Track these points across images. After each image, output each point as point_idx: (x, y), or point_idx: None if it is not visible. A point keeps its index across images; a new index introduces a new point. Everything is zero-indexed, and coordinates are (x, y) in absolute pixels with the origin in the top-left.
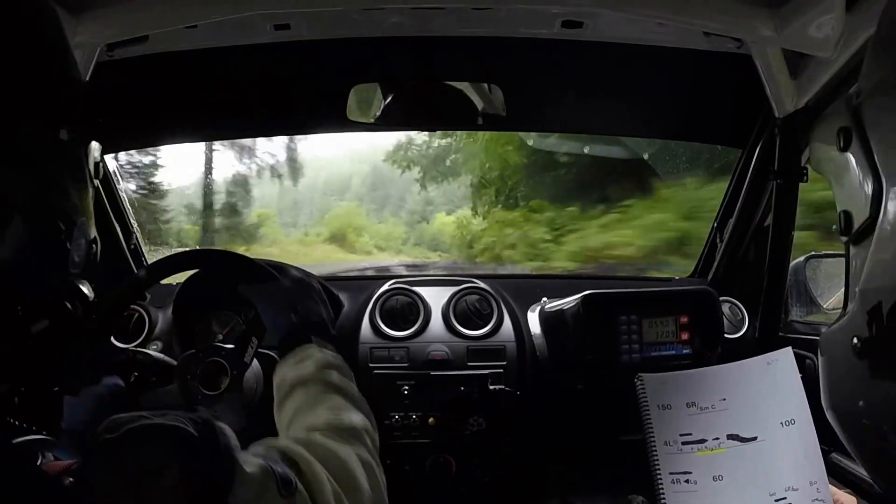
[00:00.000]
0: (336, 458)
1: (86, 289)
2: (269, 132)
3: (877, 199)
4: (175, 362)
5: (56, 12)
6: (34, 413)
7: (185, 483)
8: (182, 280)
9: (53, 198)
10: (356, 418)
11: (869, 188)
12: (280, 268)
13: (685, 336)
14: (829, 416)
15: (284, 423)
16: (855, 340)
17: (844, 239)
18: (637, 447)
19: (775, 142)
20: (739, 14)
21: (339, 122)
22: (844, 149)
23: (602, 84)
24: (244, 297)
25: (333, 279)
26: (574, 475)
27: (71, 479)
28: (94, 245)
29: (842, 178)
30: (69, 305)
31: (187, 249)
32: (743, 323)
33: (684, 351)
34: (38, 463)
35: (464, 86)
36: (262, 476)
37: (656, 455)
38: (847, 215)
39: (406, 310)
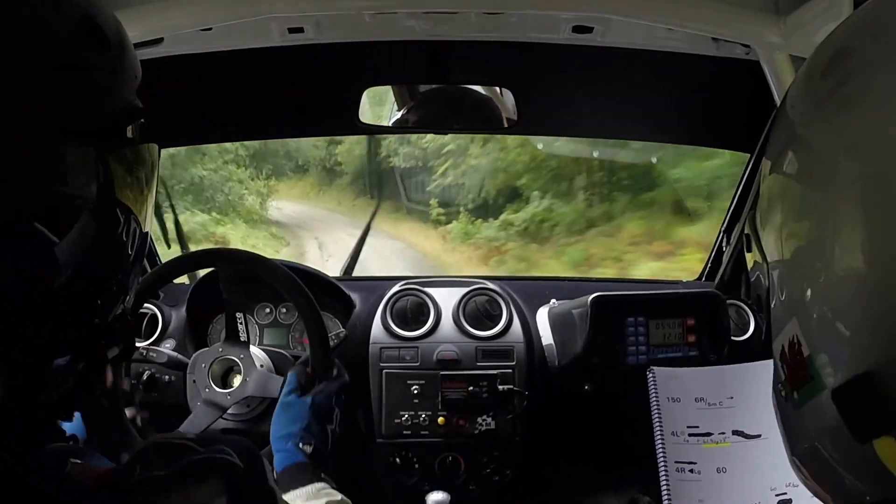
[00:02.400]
0: None
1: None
2: (281, 134)
3: (766, 275)
4: (188, 360)
5: (111, 10)
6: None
7: None
8: (196, 279)
9: (119, 194)
10: None
11: (763, 268)
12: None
13: (692, 338)
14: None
15: None
16: (780, 388)
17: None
18: (643, 447)
19: None
20: (748, 21)
21: (351, 124)
22: (748, 250)
23: (612, 88)
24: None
25: (345, 280)
26: (581, 475)
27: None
28: (147, 239)
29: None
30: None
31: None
32: (749, 326)
33: (691, 353)
34: (66, 469)
35: (475, 89)
36: None
37: (662, 444)
38: (759, 297)
39: (417, 310)
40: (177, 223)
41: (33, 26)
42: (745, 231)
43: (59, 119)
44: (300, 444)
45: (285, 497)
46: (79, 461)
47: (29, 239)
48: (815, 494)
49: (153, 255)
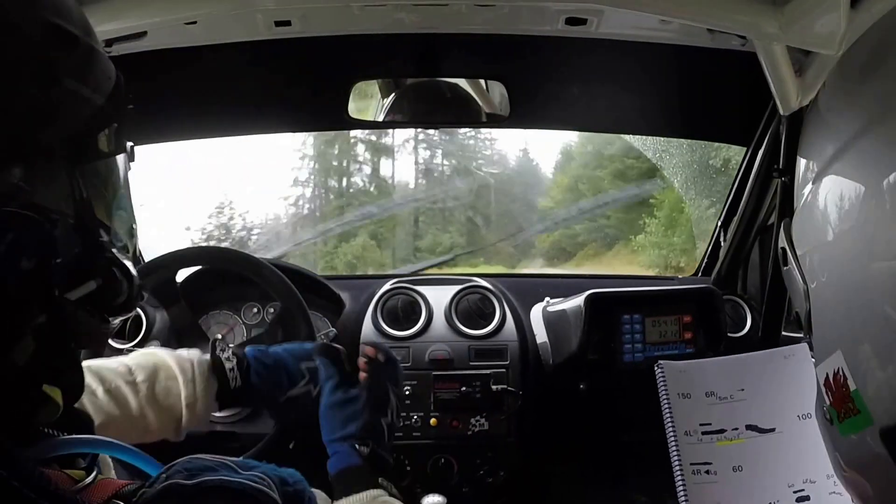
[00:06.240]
0: None
1: (129, 264)
2: (269, 130)
3: (807, 297)
4: None
5: (81, 11)
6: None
7: None
8: (181, 279)
9: (95, 199)
10: None
11: (801, 290)
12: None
13: (688, 335)
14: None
15: None
16: (826, 411)
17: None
18: (640, 446)
19: (780, 139)
20: (744, 11)
21: (339, 119)
22: (785, 265)
23: (606, 81)
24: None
25: (335, 278)
26: (577, 475)
27: None
28: (133, 236)
29: (791, 285)
30: (115, 273)
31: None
32: (746, 322)
33: (687, 350)
34: (92, 479)
35: (467, 83)
36: None
37: (677, 445)
38: (797, 315)
39: (408, 309)
40: None
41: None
42: (781, 245)
43: (24, 130)
44: (357, 446)
45: (339, 503)
46: (102, 475)
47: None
48: None
49: (140, 261)
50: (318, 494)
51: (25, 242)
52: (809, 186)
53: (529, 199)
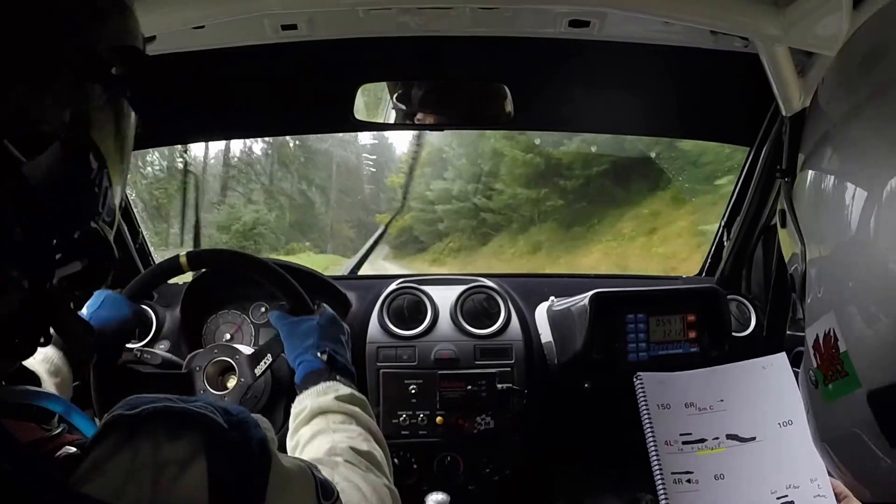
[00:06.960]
0: (362, 484)
1: (110, 237)
2: (275, 132)
3: (803, 258)
4: (182, 362)
5: None
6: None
7: (210, 482)
8: (190, 279)
9: (91, 134)
10: (377, 449)
11: (798, 250)
12: (318, 303)
13: (692, 335)
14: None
15: (300, 445)
16: (811, 374)
17: (794, 296)
18: (644, 446)
19: (783, 140)
20: (746, 13)
21: (345, 121)
22: (783, 226)
23: (609, 83)
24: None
25: (341, 278)
26: (581, 474)
27: (74, 450)
28: (118, 207)
29: (786, 247)
30: (99, 252)
31: (234, 249)
32: (750, 321)
33: (692, 349)
34: (55, 433)
35: (471, 86)
36: (301, 477)
37: (657, 455)
38: (792, 277)
39: (414, 309)
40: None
41: None
42: (780, 207)
43: (45, 35)
44: (317, 354)
45: (298, 397)
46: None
47: None
48: (843, 482)
49: (146, 255)
50: (261, 420)
51: (20, 216)
52: (809, 171)
53: (377, 175)
